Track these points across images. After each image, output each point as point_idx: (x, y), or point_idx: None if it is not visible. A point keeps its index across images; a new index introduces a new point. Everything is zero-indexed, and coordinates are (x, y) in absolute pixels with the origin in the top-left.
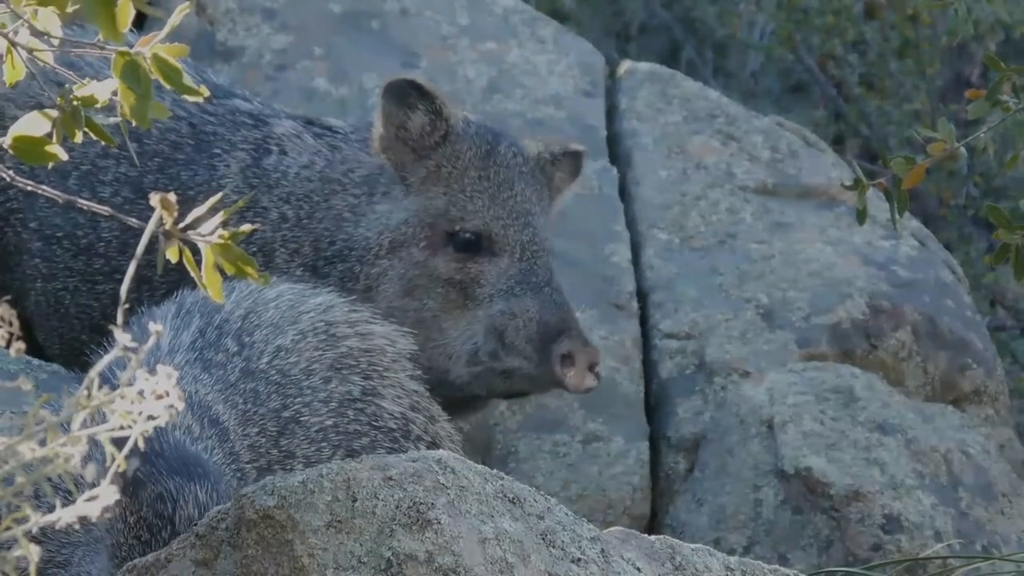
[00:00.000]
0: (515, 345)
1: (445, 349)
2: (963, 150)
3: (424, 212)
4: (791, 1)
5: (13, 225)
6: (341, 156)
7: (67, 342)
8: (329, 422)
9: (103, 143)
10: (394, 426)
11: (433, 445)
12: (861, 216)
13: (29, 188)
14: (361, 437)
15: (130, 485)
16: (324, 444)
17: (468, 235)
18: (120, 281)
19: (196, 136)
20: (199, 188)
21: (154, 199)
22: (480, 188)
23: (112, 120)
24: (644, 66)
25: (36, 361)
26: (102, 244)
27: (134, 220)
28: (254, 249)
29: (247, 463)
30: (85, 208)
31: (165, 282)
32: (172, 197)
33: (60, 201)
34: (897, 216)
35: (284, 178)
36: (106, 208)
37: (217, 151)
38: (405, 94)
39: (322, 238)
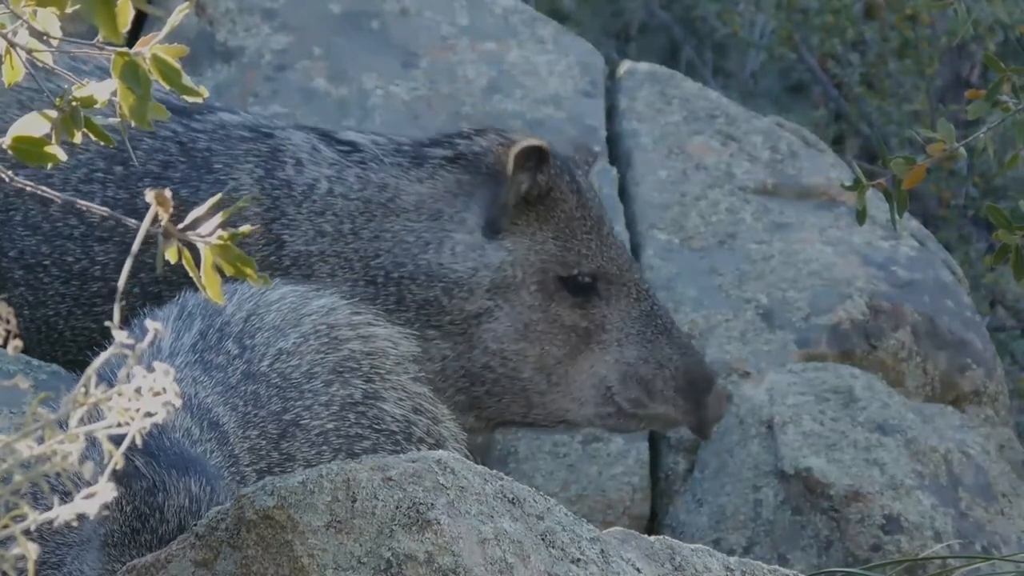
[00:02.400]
0: (664, 394)
1: (570, 392)
2: (963, 150)
3: (533, 255)
4: (791, 1)
5: None
6: (379, 178)
7: (64, 365)
8: (330, 425)
9: (85, 170)
10: (396, 428)
11: (437, 446)
12: (861, 216)
13: (28, 188)
14: (362, 440)
15: (124, 476)
16: (325, 447)
17: (585, 279)
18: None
19: (187, 153)
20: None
21: (149, 195)
22: (588, 228)
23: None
24: (644, 66)
25: (36, 361)
26: (97, 268)
27: (132, 220)
28: (287, 262)
29: (247, 466)
30: (84, 209)
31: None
32: (168, 193)
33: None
34: (897, 216)
35: (313, 192)
36: (105, 209)
37: (219, 166)
38: (530, 160)
39: (378, 257)
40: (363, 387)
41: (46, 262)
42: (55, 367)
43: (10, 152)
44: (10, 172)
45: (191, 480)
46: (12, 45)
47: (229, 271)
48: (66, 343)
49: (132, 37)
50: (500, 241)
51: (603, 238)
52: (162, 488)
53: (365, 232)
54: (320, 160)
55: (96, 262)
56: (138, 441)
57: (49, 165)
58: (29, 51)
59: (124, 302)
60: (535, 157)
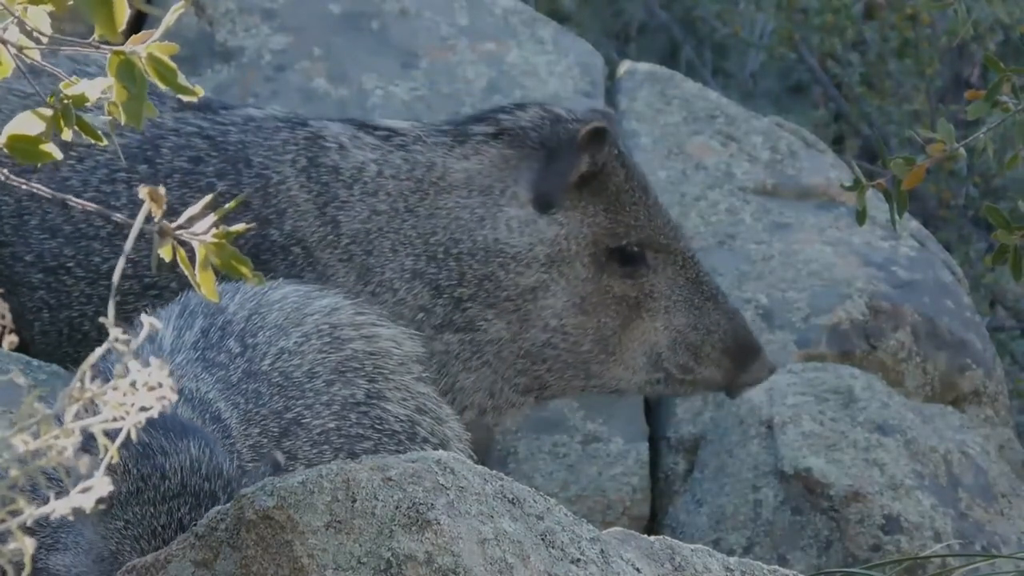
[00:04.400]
0: (712, 358)
1: (623, 361)
2: (963, 150)
3: (586, 228)
4: (791, 1)
5: (2, 257)
6: (425, 158)
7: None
8: (331, 425)
9: (106, 171)
10: (399, 429)
11: (440, 446)
12: (861, 217)
13: (24, 187)
14: (364, 440)
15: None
16: (326, 447)
17: (634, 248)
18: (156, 296)
19: (218, 147)
20: (251, 193)
21: (142, 192)
22: (635, 200)
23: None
24: (643, 67)
25: (35, 361)
26: (128, 266)
27: (120, 216)
28: (346, 240)
29: (249, 463)
30: (81, 208)
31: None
32: (161, 190)
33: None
34: (897, 217)
35: (362, 174)
36: (93, 205)
37: (258, 158)
38: (596, 140)
39: (435, 233)
40: (366, 387)
41: (70, 264)
42: (54, 367)
43: (6, 151)
44: (5, 171)
45: (190, 442)
46: (2, 42)
47: (223, 270)
48: (91, 344)
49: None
50: (553, 215)
51: (649, 208)
52: (161, 451)
53: (420, 210)
54: (363, 145)
55: (128, 260)
56: (133, 436)
57: (47, 164)
58: (19, 48)
59: (123, 298)
60: (600, 137)
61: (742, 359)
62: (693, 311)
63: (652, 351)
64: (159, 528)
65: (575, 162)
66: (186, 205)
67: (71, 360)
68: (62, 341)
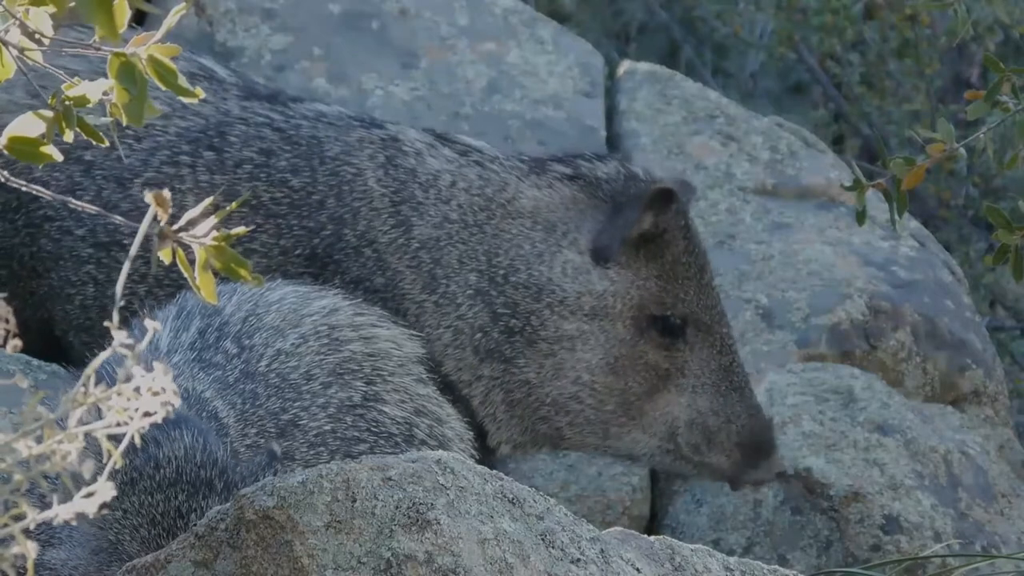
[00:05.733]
0: (723, 447)
1: (642, 427)
2: (963, 150)
3: (635, 291)
4: (791, 1)
5: (48, 232)
6: (499, 178)
7: None
8: (327, 427)
9: (170, 155)
10: (396, 431)
11: (440, 448)
12: (860, 217)
13: (23, 188)
14: (360, 443)
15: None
16: (322, 449)
17: (676, 321)
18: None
19: (290, 141)
20: (326, 191)
21: (148, 196)
22: (690, 274)
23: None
24: (644, 66)
25: (35, 361)
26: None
27: (119, 218)
28: (416, 245)
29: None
30: (79, 208)
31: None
32: (167, 194)
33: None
34: (896, 217)
35: (437, 181)
36: (94, 207)
37: (333, 153)
38: (663, 202)
39: (498, 254)
40: (363, 389)
41: (125, 241)
42: (55, 367)
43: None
44: (5, 172)
45: (183, 431)
46: (4, 44)
47: (223, 272)
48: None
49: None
50: (606, 269)
51: (702, 286)
52: (154, 440)
53: (488, 228)
54: (438, 155)
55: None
56: (137, 441)
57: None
58: (20, 50)
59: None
60: (667, 199)
61: (753, 455)
62: (719, 397)
63: (670, 425)
64: (157, 516)
65: (637, 219)
66: (257, 198)
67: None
68: (103, 316)
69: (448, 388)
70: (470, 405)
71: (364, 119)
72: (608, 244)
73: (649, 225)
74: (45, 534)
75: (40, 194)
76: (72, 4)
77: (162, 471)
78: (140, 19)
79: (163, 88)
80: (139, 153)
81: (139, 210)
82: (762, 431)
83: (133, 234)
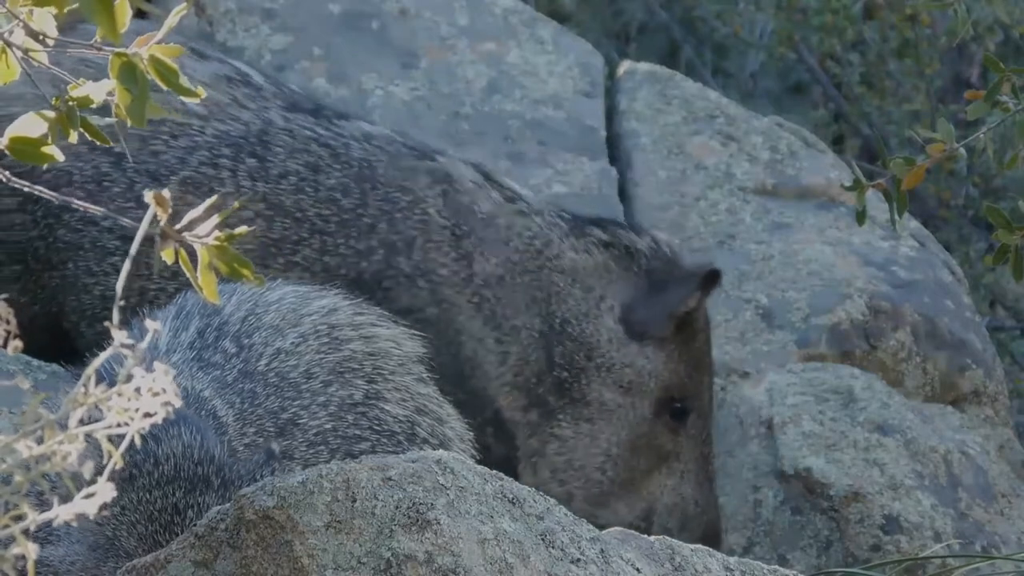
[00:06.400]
0: (692, 535)
1: (631, 502)
2: (963, 150)
3: (666, 373)
4: (791, 1)
5: (68, 223)
6: (543, 233)
7: None
8: (328, 425)
9: (210, 156)
10: (398, 429)
11: (441, 447)
12: (860, 217)
13: (26, 189)
14: (361, 441)
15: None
16: (322, 447)
17: (687, 407)
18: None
19: (340, 160)
20: (378, 215)
21: (148, 196)
22: (705, 366)
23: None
24: (643, 66)
25: (35, 361)
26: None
27: (127, 220)
28: (479, 281)
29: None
30: (80, 208)
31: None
32: (167, 194)
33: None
34: (896, 217)
35: (494, 220)
36: (100, 208)
37: (384, 180)
38: (710, 285)
39: (551, 303)
40: (364, 387)
41: (156, 235)
42: (55, 367)
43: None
44: (7, 172)
45: (181, 428)
46: (8, 45)
47: (225, 272)
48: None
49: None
50: (642, 346)
51: (710, 378)
52: (152, 437)
53: (543, 276)
54: (488, 197)
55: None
56: (137, 442)
57: (134, 139)
58: (25, 51)
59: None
60: (716, 281)
61: (711, 543)
62: (699, 485)
63: (652, 504)
64: (155, 513)
65: (687, 297)
66: (303, 211)
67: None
68: (136, 306)
69: (498, 421)
70: (513, 441)
71: (415, 147)
72: (650, 320)
73: (696, 305)
74: (43, 531)
75: (42, 194)
76: (74, 5)
77: (160, 468)
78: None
79: (164, 88)
80: (175, 150)
81: (172, 207)
82: (717, 524)
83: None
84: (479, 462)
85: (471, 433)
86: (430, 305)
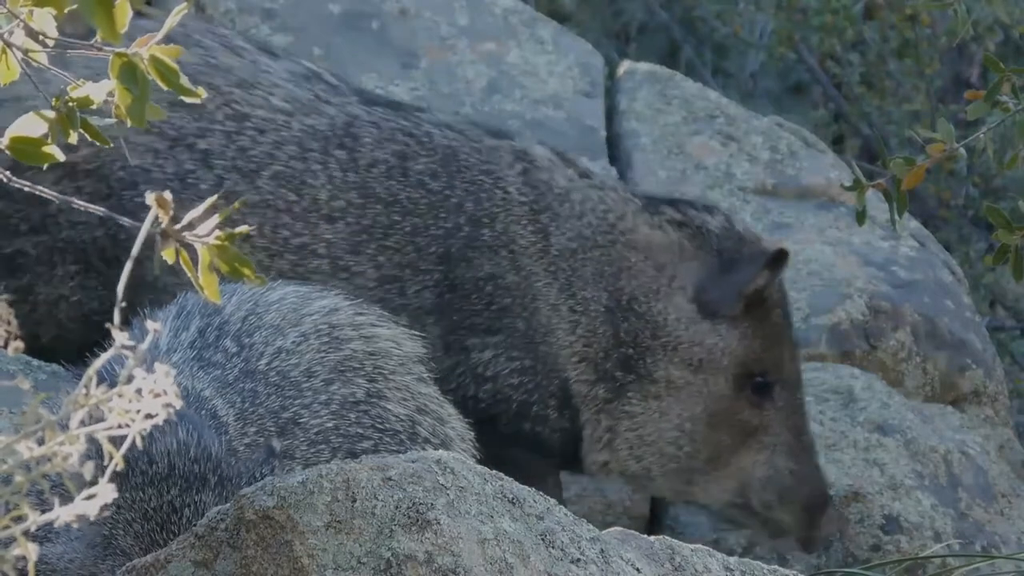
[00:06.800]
0: (791, 506)
1: (721, 481)
2: (962, 150)
3: (740, 349)
4: (791, 1)
5: (142, 219)
6: (618, 208)
7: None
8: (329, 424)
9: (299, 150)
10: (400, 428)
11: (442, 446)
12: (860, 217)
13: (26, 189)
14: (363, 440)
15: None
16: (324, 446)
17: (770, 381)
18: (353, 279)
19: (425, 146)
20: (464, 195)
21: (150, 198)
22: (784, 338)
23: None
24: (643, 67)
25: (36, 361)
26: (322, 244)
27: (127, 220)
28: (554, 252)
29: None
30: (82, 208)
31: None
32: (168, 195)
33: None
34: (896, 217)
35: (569, 196)
36: (100, 208)
37: (470, 161)
38: (779, 263)
39: (621, 278)
40: (366, 386)
41: (251, 233)
42: (55, 367)
43: (8, 152)
44: (7, 172)
45: (177, 425)
46: (8, 45)
47: (226, 271)
48: None
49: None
50: (714, 323)
51: (792, 348)
52: (147, 435)
53: (613, 252)
54: (563, 174)
55: (321, 239)
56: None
57: (215, 133)
58: (25, 51)
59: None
60: (783, 260)
61: (815, 514)
62: (792, 456)
63: (746, 479)
64: (150, 511)
65: (755, 276)
66: (394, 197)
67: None
68: None
69: (565, 392)
70: (578, 416)
71: (491, 129)
72: (721, 298)
73: (764, 280)
74: (42, 529)
75: (44, 195)
76: (74, 5)
77: (155, 466)
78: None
79: (165, 88)
80: (263, 146)
81: (265, 202)
82: (821, 490)
83: (264, 227)
84: (543, 445)
85: (472, 433)
86: (510, 272)
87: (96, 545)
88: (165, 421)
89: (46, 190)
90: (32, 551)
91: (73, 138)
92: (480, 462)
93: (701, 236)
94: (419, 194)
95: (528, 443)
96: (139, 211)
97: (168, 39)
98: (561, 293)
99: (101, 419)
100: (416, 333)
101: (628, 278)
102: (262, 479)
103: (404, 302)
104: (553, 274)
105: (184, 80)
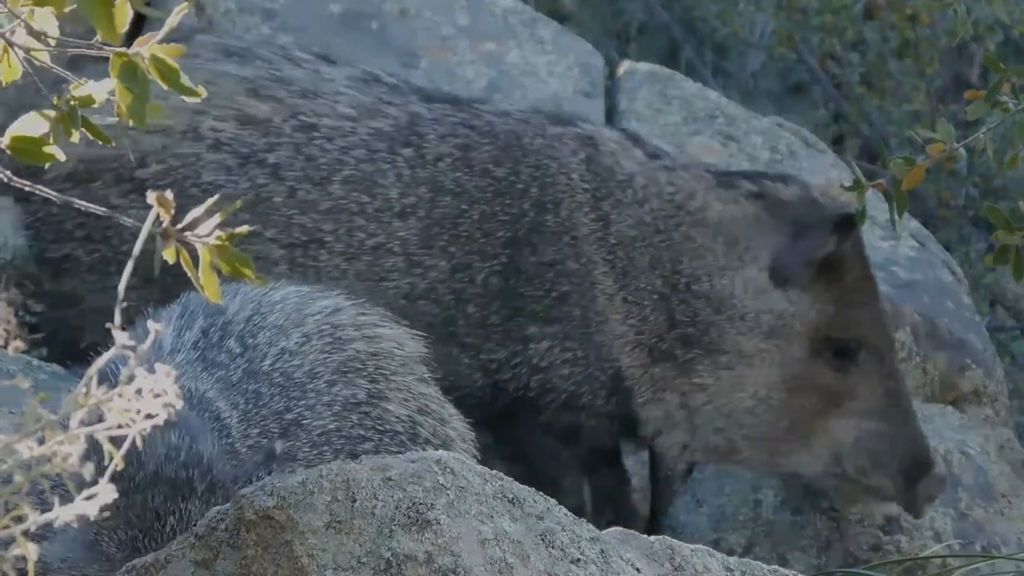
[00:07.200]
0: (888, 470)
1: (810, 448)
2: (963, 151)
3: (814, 313)
4: (791, 1)
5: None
6: (688, 187)
7: None
8: (332, 426)
9: (367, 152)
10: (400, 429)
11: (443, 447)
12: (860, 217)
13: (27, 188)
14: (365, 441)
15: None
16: (326, 448)
17: (851, 345)
18: (419, 274)
19: (487, 136)
20: (529, 181)
21: (151, 197)
22: (865, 299)
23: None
24: (644, 66)
25: (36, 361)
26: (396, 242)
27: (129, 220)
28: (613, 241)
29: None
30: (83, 208)
31: None
32: (169, 195)
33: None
34: (896, 217)
35: (632, 182)
36: (101, 208)
37: (534, 147)
38: (845, 228)
39: (682, 261)
40: (367, 387)
41: (328, 239)
42: (55, 367)
43: (9, 152)
44: (8, 172)
45: (169, 431)
46: (10, 44)
47: (227, 271)
48: None
49: (132, 38)
50: (786, 291)
51: (875, 311)
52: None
53: (676, 235)
54: (631, 156)
55: (395, 237)
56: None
57: (285, 144)
58: (27, 51)
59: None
60: (850, 224)
61: (915, 477)
62: (884, 420)
63: (837, 446)
64: (133, 517)
65: (822, 243)
66: (462, 188)
67: None
68: None
69: (617, 379)
70: (631, 396)
71: (555, 115)
72: (791, 265)
73: (832, 249)
74: (40, 529)
75: (45, 195)
76: (74, 5)
77: (142, 471)
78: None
79: (165, 88)
80: (332, 152)
81: (338, 206)
82: (922, 452)
83: (338, 230)
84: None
85: (473, 433)
86: (571, 259)
87: (87, 547)
88: (158, 425)
89: (46, 189)
90: (32, 551)
91: (75, 137)
92: (480, 462)
93: (777, 207)
94: (485, 182)
95: (564, 432)
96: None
97: (230, 53)
98: (616, 282)
99: (102, 419)
100: (418, 333)
101: (690, 259)
102: (258, 482)
103: (475, 290)
104: (611, 263)
105: (184, 79)
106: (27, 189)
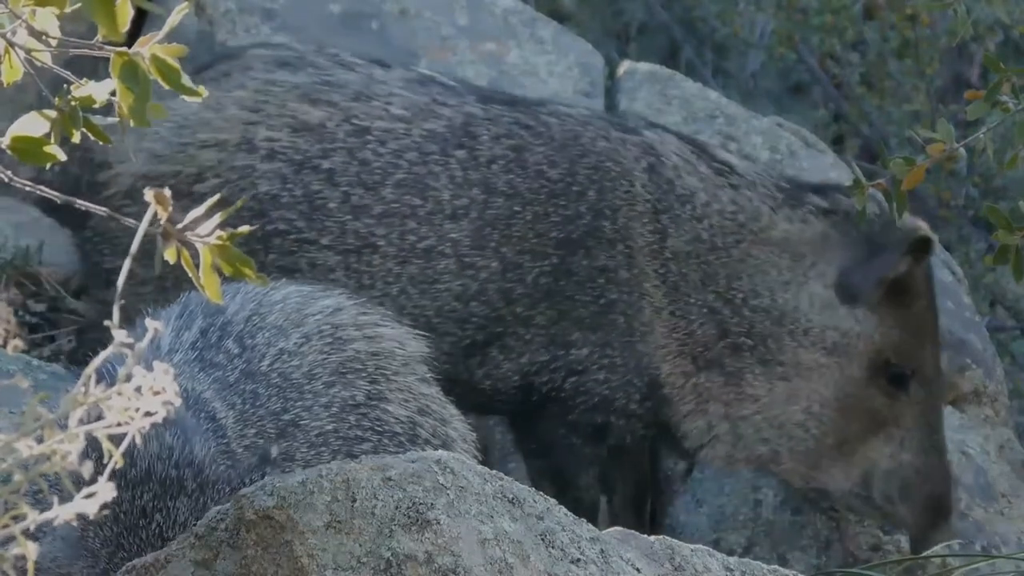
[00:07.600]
0: (912, 503)
1: (847, 469)
2: (963, 150)
3: (878, 335)
4: (791, 1)
5: (280, 247)
6: (752, 206)
7: None
8: (329, 427)
9: (419, 155)
10: (400, 430)
11: (443, 447)
12: (861, 216)
13: (28, 188)
14: (363, 442)
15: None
16: (324, 449)
17: (906, 372)
18: (479, 278)
19: (542, 137)
20: (587, 183)
21: (148, 195)
22: (927, 330)
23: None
24: (643, 66)
25: (36, 361)
26: (448, 245)
27: (130, 220)
28: (668, 255)
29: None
30: (84, 208)
31: None
32: (167, 193)
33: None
34: (896, 217)
35: (693, 198)
36: (103, 208)
37: (595, 150)
38: (921, 249)
39: (740, 277)
40: (367, 388)
41: (380, 243)
42: (55, 367)
43: (10, 152)
44: (8, 172)
45: (163, 430)
46: (11, 45)
47: (228, 271)
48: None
49: (132, 38)
50: (853, 309)
51: (935, 342)
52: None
53: (735, 252)
54: (694, 172)
55: (446, 239)
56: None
57: (339, 152)
58: (28, 51)
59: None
60: (926, 247)
61: (936, 516)
62: (920, 453)
63: (871, 470)
64: (121, 515)
65: (895, 263)
66: (514, 189)
67: None
68: None
69: (654, 385)
70: (670, 403)
71: (616, 121)
72: (860, 284)
73: (905, 270)
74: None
75: (46, 195)
76: (77, 6)
77: (133, 469)
78: (140, 25)
79: (166, 87)
80: (386, 156)
81: (390, 209)
82: (947, 497)
83: (390, 234)
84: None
85: (473, 434)
86: (623, 268)
87: (73, 545)
88: (153, 424)
89: (47, 189)
90: (32, 550)
91: (76, 137)
92: (481, 463)
93: (848, 222)
94: (539, 183)
95: (589, 432)
96: (269, 239)
97: (282, 63)
98: (666, 296)
99: (100, 418)
100: (420, 333)
101: (750, 275)
102: (251, 485)
103: (524, 291)
104: (663, 276)
105: (185, 79)
106: (83, 211)
